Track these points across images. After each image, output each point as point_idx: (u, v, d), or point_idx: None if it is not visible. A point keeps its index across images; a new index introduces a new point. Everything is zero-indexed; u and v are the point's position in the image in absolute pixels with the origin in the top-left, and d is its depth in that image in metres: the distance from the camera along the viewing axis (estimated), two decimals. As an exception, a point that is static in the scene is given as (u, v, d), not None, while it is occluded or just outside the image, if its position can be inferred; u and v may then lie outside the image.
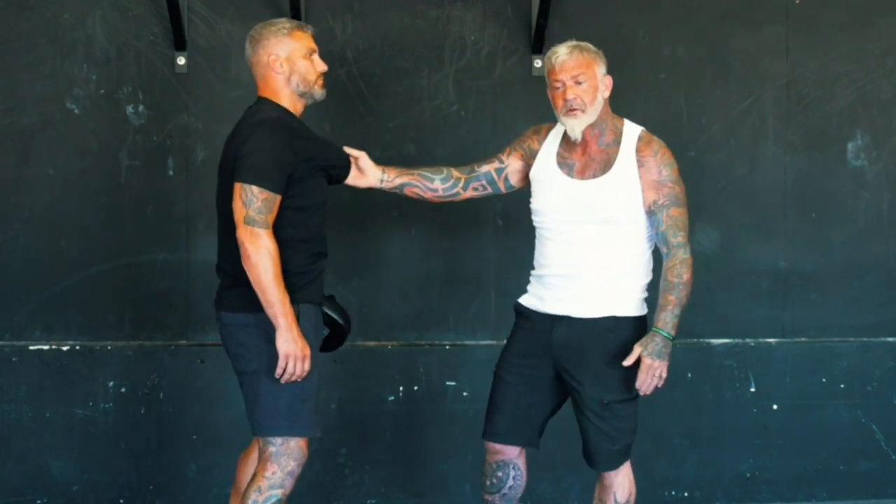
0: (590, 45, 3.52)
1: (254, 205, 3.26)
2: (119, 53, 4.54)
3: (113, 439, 4.56)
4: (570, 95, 3.44)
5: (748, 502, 4.81)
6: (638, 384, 3.42)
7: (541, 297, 3.59)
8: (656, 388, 3.46)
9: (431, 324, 4.69)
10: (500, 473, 3.64)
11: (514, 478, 3.65)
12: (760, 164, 4.80)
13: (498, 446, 3.63)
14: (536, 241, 3.65)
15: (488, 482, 3.68)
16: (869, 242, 4.84)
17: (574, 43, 3.50)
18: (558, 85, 3.47)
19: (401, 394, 4.67)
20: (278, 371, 3.30)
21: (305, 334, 3.34)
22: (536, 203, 3.61)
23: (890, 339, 4.86)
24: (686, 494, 4.78)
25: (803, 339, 4.83)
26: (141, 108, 4.55)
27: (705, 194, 4.78)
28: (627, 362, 3.40)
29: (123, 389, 4.56)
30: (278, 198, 3.30)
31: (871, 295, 4.85)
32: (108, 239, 4.56)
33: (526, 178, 3.69)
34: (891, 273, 4.85)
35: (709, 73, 4.77)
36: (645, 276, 3.59)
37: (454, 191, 3.72)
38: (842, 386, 4.83)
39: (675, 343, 4.69)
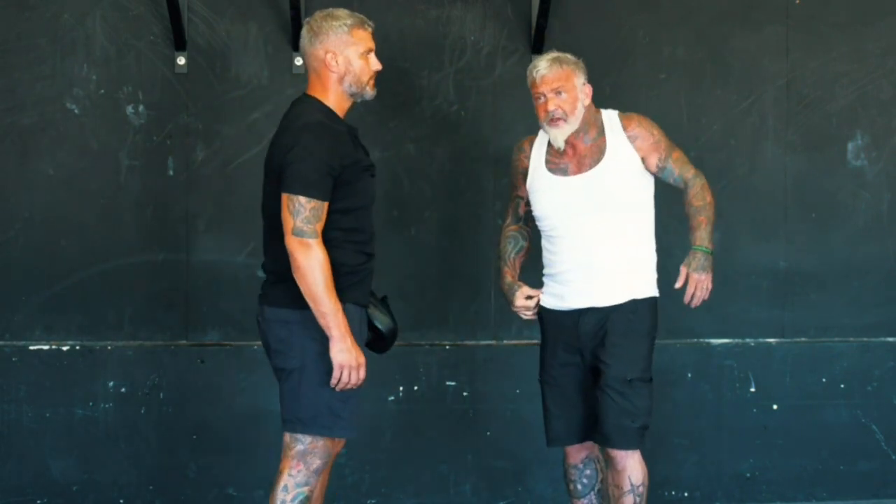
0: (569, 56, 3.65)
1: (302, 215, 3.22)
2: (119, 53, 4.54)
3: (113, 439, 4.56)
4: (551, 107, 3.60)
5: (748, 502, 4.81)
6: (686, 298, 3.63)
7: (559, 294, 3.68)
8: (703, 301, 3.66)
9: (431, 324, 4.69)
10: (588, 471, 3.76)
11: (600, 470, 3.77)
12: (760, 164, 4.80)
13: (578, 446, 3.73)
14: (544, 242, 3.74)
15: (579, 485, 3.77)
16: (869, 242, 4.84)
17: (554, 55, 3.64)
18: (539, 97, 3.63)
19: (401, 394, 4.67)
20: (333, 381, 3.28)
21: (352, 334, 3.30)
22: (539, 209, 3.71)
23: (890, 339, 4.86)
24: (686, 494, 4.78)
25: (803, 339, 4.83)
26: (141, 108, 4.55)
27: (705, 194, 4.78)
28: (678, 284, 3.61)
29: (123, 389, 4.56)
30: (325, 204, 3.27)
31: (871, 295, 4.85)
32: (108, 239, 4.55)
33: None
34: (891, 273, 4.85)
35: (709, 73, 4.77)
36: (654, 258, 3.73)
37: (530, 234, 3.83)
38: (842, 386, 4.83)
39: (675, 343, 4.73)
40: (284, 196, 3.25)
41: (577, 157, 3.65)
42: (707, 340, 4.79)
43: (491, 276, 4.69)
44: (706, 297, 3.65)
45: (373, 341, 3.56)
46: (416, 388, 4.67)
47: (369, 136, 4.59)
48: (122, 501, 4.58)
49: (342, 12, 3.41)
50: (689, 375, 4.77)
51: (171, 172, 4.57)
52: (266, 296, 3.41)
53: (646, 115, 4.69)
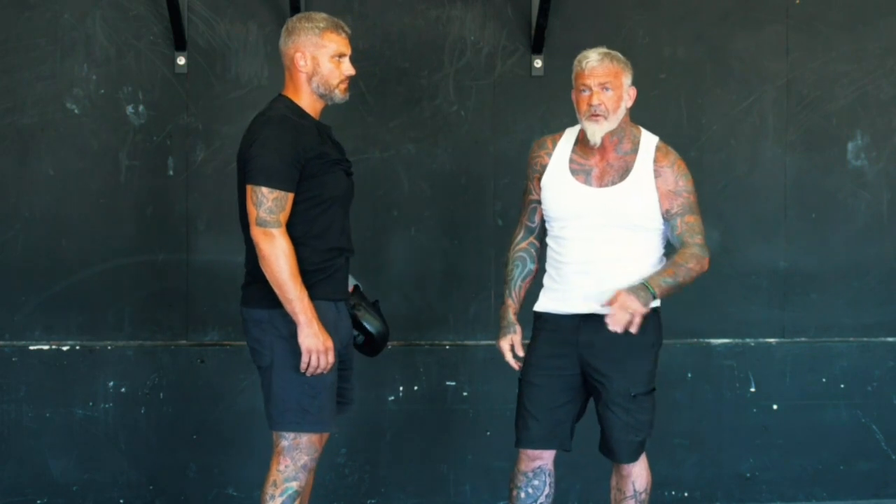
0: (619, 55, 3.55)
1: (264, 205, 3.28)
2: (119, 53, 4.54)
3: (113, 439, 4.56)
4: (595, 101, 3.47)
5: (748, 502, 4.81)
6: (608, 318, 3.40)
7: (561, 297, 3.60)
8: (626, 331, 3.42)
9: (431, 324, 4.69)
10: (536, 482, 3.64)
11: (549, 485, 3.67)
12: (760, 164, 4.80)
13: (535, 453, 3.62)
14: (550, 241, 3.65)
15: (523, 493, 3.65)
16: (869, 242, 4.84)
17: (605, 50, 3.53)
18: (584, 89, 3.50)
19: (401, 394, 4.67)
20: (302, 366, 3.31)
21: None
22: (552, 210, 3.61)
23: (890, 339, 4.86)
24: (686, 494, 4.79)
25: (803, 339, 4.83)
26: (141, 108, 4.56)
27: (705, 194, 4.75)
28: (604, 303, 3.42)
29: (123, 389, 4.56)
30: (290, 195, 3.31)
31: (871, 295, 4.85)
32: (108, 239, 4.56)
33: None
34: (891, 273, 4.85)
35: (709, 73, 4.77)
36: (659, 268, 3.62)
37: (539, 252, 3.72)
38: (842, 386, 4.83)
39: (675, 343, 4.73)
40: (248, 188, 3.32)
41: (603, 163, 3.55)
42: (707, 340, 4.79)
43: (491, 276, 4.69)
44: (633, 331, 3.40)
45: (363, 344, 3.59)
46: (416, 388, 4.67)
47: (369, 136, 4.61)
48: (122, 501, 4.58)
49: (319, 15, 3.47)
50: (689, 375, 4.77)
51: (171, 172, 4.57)
52: (242, 297, 3.48)
53: (646, 114, 4.71)
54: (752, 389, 4.80)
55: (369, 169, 4.58)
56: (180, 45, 4.52)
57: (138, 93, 4.55)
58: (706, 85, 4.77)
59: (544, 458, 3.64)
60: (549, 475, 3.66)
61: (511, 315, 3.66)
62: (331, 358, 3.34)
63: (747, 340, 4.81)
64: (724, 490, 4.80)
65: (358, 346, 3.59)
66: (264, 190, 3.28)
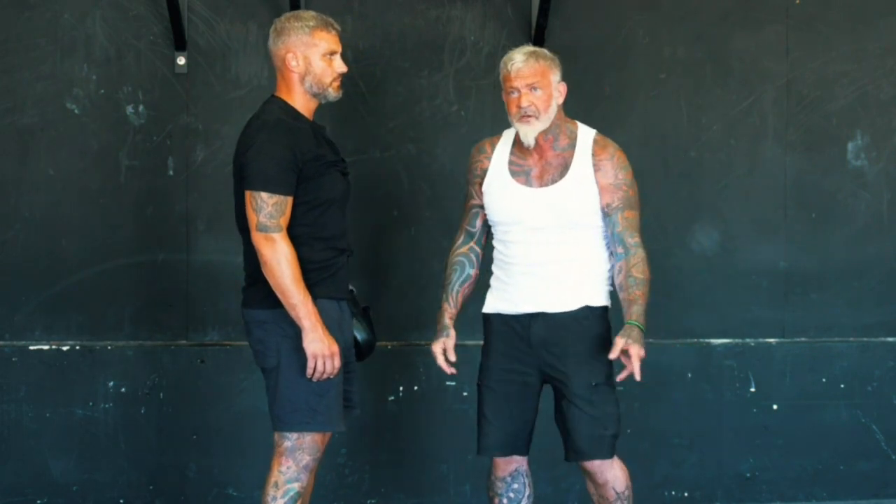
0: (546, 52, 3.53)
1: (264, 210, 3.27)
2: (119, 53, 4.54)
3: (113, 439, 4.56)
4: (524, 103, 3.45)
5: (748, 502, 4.81)
6: (631, 370, 3.41)
7: (509, 299, 3.58)
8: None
9: (431, 324, 4.66)
10: (516, 485, 3.62)
11: (528, 486, 3.64)
12: (760, 164, 4.80)
13: (507, 458, 3.60)
14: (496, 243, 3.64)
15: (504, 499, 3.62)
16: (869, 242, 4.84)
17: (531, 49, 3.51)
18: (513, 91, 3.48)
19: (401, 394, 4.67)
20: (308, 371, 3.31)
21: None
22: (495, 214, 3.59)
23: (890, 339, 4.86)
24: (686, 494, 4.78)
25: (803, 339, 4.83)
26: (141, 108, 4.56)
27: (705, 194, 4.78)
28: (613, 355, 3.40)
29: (123, 389, 4.56)
30: (289, 199, 3.31)
31: (871, 295, 4.85)
32: (108, 239, 4.56)
33: None
34: (891, 273, 4.85)
35: (709, 73, 4.77)
36: (606, 271, 3.59)
37: (480, 257, 3.71)
38: (842, 386, 4.83)
39: (675, 343, 4.74)
40: (247, 193, 3.31)
41: (542, 162, 3.53)
42: (707, 340, 4.79)
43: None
44: (636, 364, 3.40)
45: (369, 348, 3.60)
46: (416, 388, 4.67)
47: (369, 136, 4.61)
48: (122, 501, 4.58)
49: (308, 14, 3.47)
50: (689, 375, 4.77)
51: (171, 172, 4.57)
52: (243, 298, 3.47)
53: (646, 115, 4.71)
54: (752, 389, 4.80)
55: (369, 169, 4.58)
56: (180, 45, 4.52)
57: (138, 93, 4.55)
58: (706, 85, 4.77)
59: (517, 461, 3.61)
60: (527, 475, 3.64)
61: (447, 319, 3.63)
62: (337, 362, 3.33)
63: (747, 340, 4.80)
64: (724, 490, 4.80)
65: (368, 346, 3.60)
66: (264, 195, 3.28)
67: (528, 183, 3.53)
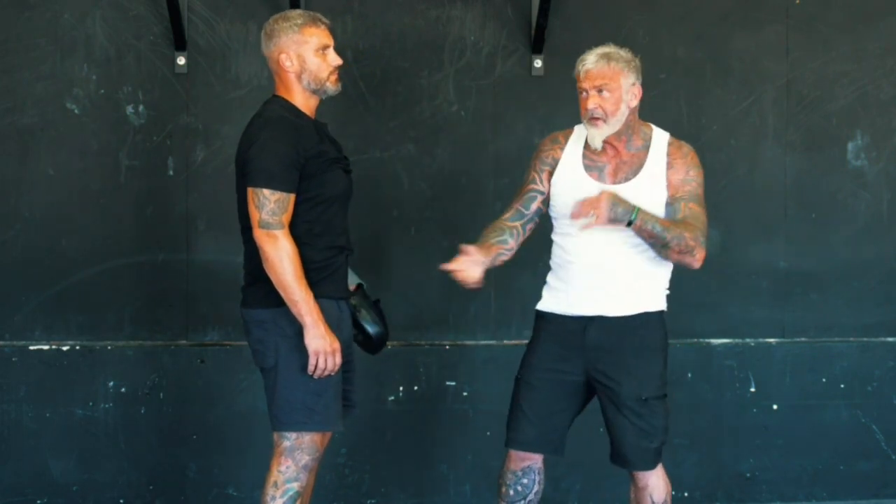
0: (621, 54, 3.47)
1: (267, 207, 3.28)
2: (119, 53, 4.54)
3: (113, 439, 4.56)
4: (591, 105, 3.42)
5: (748, 502, 4.81)
6: (575, 205, 3.33)
7: (566, 299, 3.54)
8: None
9: (431, 324, 4.69)
10: (525, 480, 3.61)
11: (538, 483, 3.62)
12: (760, 164, 4.80)
13: (525, 454, 3.58)
14: (557, 238, 3.58)
15: (511, 491, 3.61)
16: (869, 242, 4.84)
17: (605, 50, 3.46)
18: (582, 92, 3.45)
19: (401, 394, 4.67)
20: (310, 368, 3.31)
21: None
22: (562, 206, 3.52)
23: (890, 339, 4.86)
24: (686, 494, 4.78)
25: (803, 339, 4.83)
26: (141, 108, 4.56)
27: (705, 194, 4.76)
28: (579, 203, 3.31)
29: (123, 389, 4.56)
30: (291, 196, 3.31)
31: (871, 295, 4.85)
32: (108, 239, 4.56)
33: None
34: (891, 273, 4.85)
35: (709, 73, 4.77)
36: (667, 271, 3.56)
37: (520, 239, 3.62)
38: (842, 386, 4.83)
39: (675, 343, 4.71)
40: (249, 190, 3.31)
41: (616, 159, 3.50)
42: (707, 340, 4.79)
43: (491, 277, 4.66)
44: (591, 223, 3.29)
45: (361, 343, 3.59)
46: (416, 388, 4.67)
47: (369, 136, 4.61)
48: (122, 501, 4.58)
49: (294, 13, 3.47)
50: (689, 375, 4.77)
51: (171, 172, 4.57)
52: (243, 298, 3.47)
53: (646, 114, 4.70)
54: (752, 389, 4.80)
55: (369, 169, 4.58)
56: (180, 45, 4.52)
57: (138, 93, 4.55)
58: (706, 85, 4.77)
59: (534, 458, 3.60)
60: (539, 472, 3.62)
61: (475, 247, 3.46)
62: (338, 359, 3.34)
63: (747, 340, 4.80)
64: (724, 490, 4.80)
65: (357, 342, 3.59)
66: (266, 192, 3.28)
67: (601, 178, 3.49)
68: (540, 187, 3.58)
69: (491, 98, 4.66)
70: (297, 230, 3.33)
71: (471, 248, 3.43)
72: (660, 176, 3.48)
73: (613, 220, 3.31)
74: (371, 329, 3.54)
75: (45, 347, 4.54)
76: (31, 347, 4.53)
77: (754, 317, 4.80)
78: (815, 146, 4.83)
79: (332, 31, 3.48)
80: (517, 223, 3.59)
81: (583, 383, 3.54)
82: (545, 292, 3.62)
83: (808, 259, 4.82)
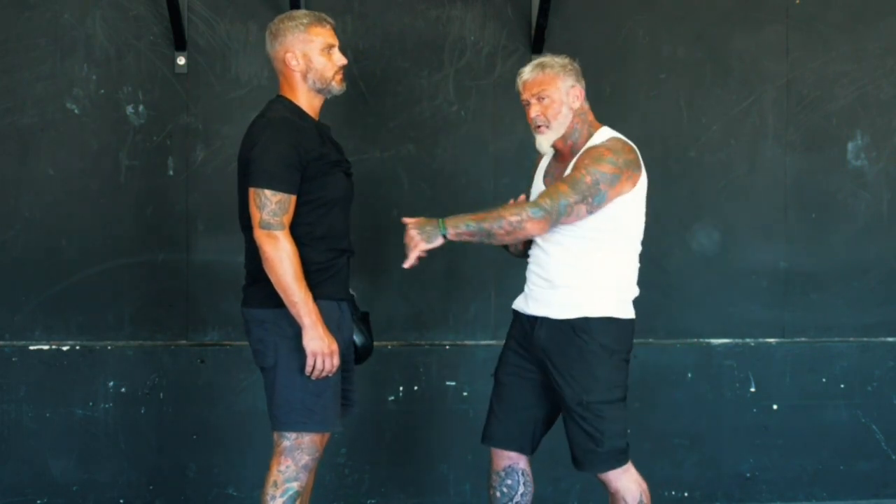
0: (555, 60, 3.53)
1: (268, 208, 3.28)
2: (119, 53, 4.54)
3: (113, 439, 4.56)
4: (532, 113, 3.51)
5: (748, 502, 4.81)
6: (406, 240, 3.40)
7: (525, 298, 3.63)
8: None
9: (431, 324, 4.69)
10: (509, 481, 3.62)
11: (524, 484, 3.63)
12: (760, 164, 4.81)
13: (504, 452, 3.61)
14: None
15: (498, 493, 3.63)
16: (869, 242, 4.84)
17: (539, 60, 3.54)
18: (525, 103, 3.54)
19: (401, 394, 4.67)
20: (308, 369, 3.32)
21: None
22: None
23: (890, 339, 4.86)
24: (686, 494, 4.78)
25: (803, 339, 4.83)
26: (141, 108, 4.56)
27: (705, 194, 4.78)
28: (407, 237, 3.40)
29: (123, 389, 4.56)
30: (293, 198, 3.32)
31: (871, 295, 4.85)
32: (108, 239, 4.56)
33: None
34: (891, 273, 4.85)
35: (709, 73, 4.77)
36: (622, 279, 3.53)
37: None
38: (842, 386, 4.84)
39: (675, 343, 4.73)
40: (251, 191, 3.32)
41: (563, 166, 3.54)
42: (707, 340, 4.79)
43: (491, 277, 4.69)
44: (410, 251, 3.40)
45: (365, 352, 3.61)
46: (416, 388, 4.67)
47: (369, 136, 4.61)
48: (122, 501, 4.58)
49: (300, 12, 3.48)
50: (689, 375, 4.77)
51: (171, 172, 4.57)
52: (243, 298, 3.47)
53: (646, 115, 4.71)
54: (752, 389, 4.80)
55: (369, 169, 4.58)
56: (180, 45, 4.52)
57: (138, 93, 4.55)
58: (706, 85, 4.77)
59: (513, 458, 3.62)
60: (523, 474, 3.63)
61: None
62: (336, 361, 3.34)
63: (747, 340, 4.81)
64: (724, 490, 4.81)
65: (366, 350, 3.61)
66: (267, 192, 3.29)
67: (552, 183, 3.55)
68: None
69: (491, 98, 4.66)
70: (299, 232, 3.34)
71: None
72: None
73: (428, 242, 3.38)
74: (357, 340, 3.55)
75: (45, 347, 4.54)
76: (31, 347, 4.53)
77: (754, 317, 4.80)
78: (815, 146, 4.83)
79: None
80: None
81: (542, 384, 3.57)
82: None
83: (808, 259, 4.82)
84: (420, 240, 3.39)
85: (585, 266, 3.49)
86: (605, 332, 3.49)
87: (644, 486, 3.58)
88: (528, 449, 3.63)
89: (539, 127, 3.51)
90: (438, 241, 3.39)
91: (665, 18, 4.74)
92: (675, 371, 4.75)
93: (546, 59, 3.55)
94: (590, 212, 3.41)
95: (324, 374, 3.33)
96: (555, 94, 3.49)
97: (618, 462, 3.51)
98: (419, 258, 3.42)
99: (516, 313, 3.67)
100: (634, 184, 3.48)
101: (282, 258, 3.27)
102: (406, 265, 3.42)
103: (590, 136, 3.53)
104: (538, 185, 3.64)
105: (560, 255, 3.50)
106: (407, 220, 3.45)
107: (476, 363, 4.68)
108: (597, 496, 4.71)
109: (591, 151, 3.45)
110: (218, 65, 4.58)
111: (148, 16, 4.54)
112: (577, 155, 3.49)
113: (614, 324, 3.50)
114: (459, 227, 3.38)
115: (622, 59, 4.72)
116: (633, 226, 3.53)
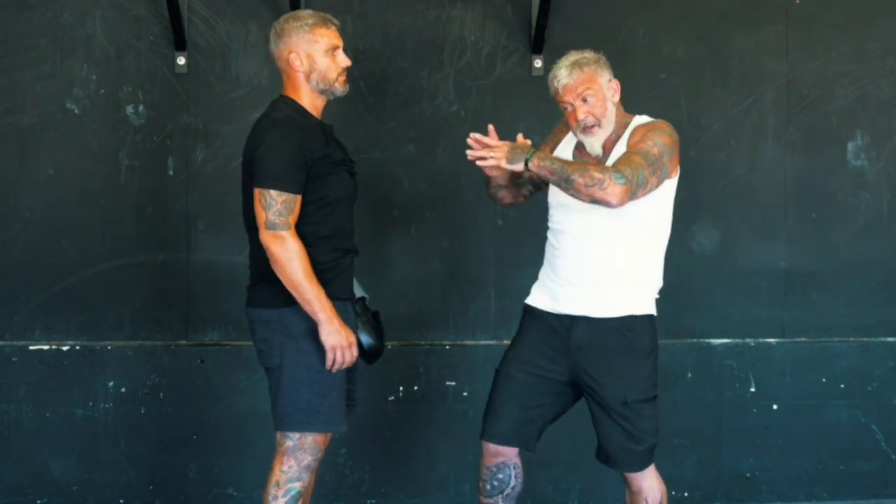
0: (588, 56, 3.45)
1: (273, 208, 3.28)
2: (119, 53, 4.54)
3: (113, 439, 4.56)
4: (581, 115, 3.41)
5: (748, 502, 4.81)
6: (472, 142, 3.36)
7: (553, 296, 3.53)
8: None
9: (431, 324, 4.69)
10: (500, 476, 3.60)
11: (515, 477, 3.61)
12: (760, 164, 4.80)
13: (497, 448, 3.57)
14: (549, 235, 3.59)
15: (488, 486, 3.62)
16: (869, 242, 4.84)
17: (572, 59, 3.44)
18: (567, 106, 3.43)
19: (401, 394, 4.67)
20: (328, 364, 3.32)
21: None
22: (552, 196, 3.55)
23: (890, 339, 4.86)
24: (686, 494, 4.78)
25: (803, 339, 4.83)
26: (141, 108, 4.56)
27: (705, 194, 4.78)
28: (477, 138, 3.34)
29: (123, 389, 4.56)
30: (298, 198, 3.32)
31: (871, 295, 4.85)
32: (108, 239, 4.56)
33: None
34: (891, 273, 4.85)
35: (709, 73, 4.77)
36: (657, 275, 3.54)
37: (528, 189, 3.66)
38: (842, 386, 4.83)
39: (675, 343, 4.73)
40: (256, 191, 3.31)
41: (603, 157, 3.47)
42: (707, 340, 4.79)
43: (491, 277, 4.69)
44: (483, 163, 3.32)
45: (374, 353, 3.59)
46: (416, 388, 4.67)
47: (369, 136, 4.61)
48: (122, 501, 4.58)
49: (305, 13, 3.48)
50: (689, 375, 4.77)
51: (171, 172, 4.57)
52: (248, 297, 3.47)
53: (646, 114, 4.70)
54: (752, 389, 4.80)
55: (369, 169, 4.58)
56: (180, 45, 4.52)
57: (138, 93, 4.55)
58: (706, 85, 4.77)
59: (507, 455, 3.58)
60: (515, 468, 3.61)
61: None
62: (354, 352, 3.37)
63: (747, 340, 4.80)
64: (724, 490, 4.80)
65: (374, 351, 3.59)
66: (273, 193, 3.28)
67: None
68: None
69: (491, 98, 4.66)
70: (304, 232, 3.33)
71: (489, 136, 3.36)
72: (623, 149, 3.42)
73: (511, 162, 3.29)
74: (365, 342, 3.54)
75: (45, 347, 4.54)
76: (31, 347, 4.53)
77: (754, 317, 4.80)
78: (815, 146, 4.83)
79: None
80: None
81: (567, 384, 3.53)
82: (535, 286, 3.62)
83: (808, 259, 4.82)
84: (503, 156, 3.29)
85: (625, 263, 3.44)
86: (648, 330, 3.49)
87: (664, 487, 3.58)
88: (533, 445, 3.59)
89: (591, 127, 3.42)
90: (518, 166, 3.30)
91: (665, 18, 4.74)
92: (675, 371, 4.75)
93: (577, 56, 3.45)
94: (656, 186, 3.35)
95: (344, 366, 3.33)
96: (598, 92, 3.41)
97: (650, 460, 3.52)
98: (489, 172, 3.37)
99: (536, 311, 3.57)
100: (676, 166, 3.46)
101: (290, 258, 3.27)
102: (471, 157, 3.32)
103: (626, 125, 3.49)
104: None
105: (601, 247, 3.43)
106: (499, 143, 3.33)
107: (476, 363, 4.68)
108: (597, 496, 4.71)
109: (648, 125, 3.43)
110: (218, 65, 4.58)
111: (148, 16, 4.54)
112: (629, 131, 3.43)
113: (653, 321, 3.51)
114: (545, 161, 3.29)
115: (622, 59, 4.70)
116: (669, 214, 3.49)
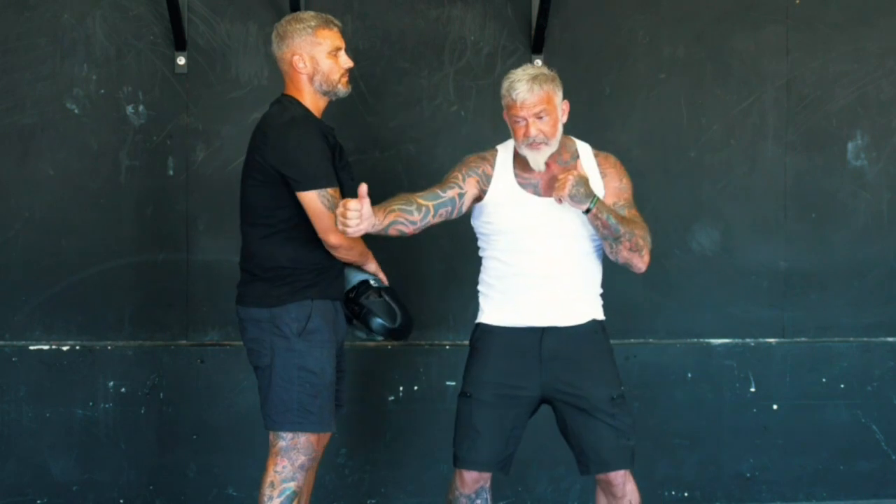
0: (546, 73, 3.43)
1: (333, 206, 3.30)
2: (119, 53, 4.54)
3: (113, 439, 4.56)
4: (532, 132, 3.39)
5: (748, 502, 4.81)
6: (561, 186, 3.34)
7: (518, 311, 3.49)
8: (560, 195, 3.36)
9: (431, 324, 4.69)
10: (479, 501, 3.58)
11: (489, 500, 3.61)
12: (760, 164, 4.80)
13: (479, 474, 3.53)
14: (498, 256, 3.53)
15: None
16: (869, 242, 4.84)
17: (532, 74, 3.40)
18: (519, 120, 3.41)
19: (401, 394, 4.67)
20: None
21: (320, 330, 3.35)
22: (503, 223, 3.49)
23: (890, 339, 4.86)
24: (686, 494, 4.78)
25: (803, 339, 4.83)
26: (141, 108, 4.56)
27: (705, 194, 4.78)
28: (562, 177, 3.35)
29: (123, 389, 4.56)
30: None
31: (871, 295, 4.85)
32: (108, 239, 4.56)
33: (473, 203, 3.54)
34: (891, 273, 4.85)
35: (709, 73, 4.77)
36: (599, 282, 3.60)
37: (426, 220, 3.49)
38: (842, 386, 4.83)
39: (675, 343, 4.73)
40: (312, 194, 3.30)
41: (548, 175, 3.47)
42: (707, 340, 4.79)
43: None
44: (562, 194, 3.32)
45: (388, 333, 3.57)
46: (416, 388, 4.67)
47: (369, 136, 4.60)
48: (122, 501, 4.58)
49: (307, 14, 3.49)
50: (689, 375, 4.77)
51: (171, 172, 4.57)
52: (239, 295, 3.47)
53: (646, 115, 4.72)
54: (752, 389, 4.80)
55: (369, 169, 4.58)
56: (180, 45, 4.52)
57: (138, 93, 4.55)
58: (706, 85, 4.77)
59: (485, 478, 3.56)
60: (488, 491, 3.60)
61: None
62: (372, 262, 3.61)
63: (747, 340, 4.80)
64: (724, 490, 4.80)
65: (388, 331, 3.57)
66: (330, 191, 3.32)
67: (536, 193, 3.48)
68: (461, 185, 3.48)
69: (491, 98, 4.65)
70: (297, 233, 3.34)
71: (365, 202, 3.14)
72: (597, 185, 3.47)
73: (574, 199, 3.33)
74: (375, 326, 3.53)
75: (45, 347, 4.54)
76: (31, 347, 4.53)
77: (754, 317, 4.80)
78: (815, 146, 4.83)
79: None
80: (430, 202, 3.45)
81: (536, 399, 3.51)
82: (487, 306, 3.56)
83: (808, 259, 4.82)
84: (570, 191, 3.32)
85: (583, 274, 3.51)
86: (606, 332, 3.57)
87: (637, 486, 3.57)
88: (509, 468, 3.56)
89: (539, 144, 3.40)
90: (580, 207, 3.35)
91: (665, 18, 4.74)
92: (674, 371, 4.75)
93: (537, 72, 3.41)
94: None
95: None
96: (553, 112, 3.41)
97: (634, 459, 3.50)
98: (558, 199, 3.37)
99: (497, 329, 3.52)
100: None
101: (352, 244, 3.42)
102: (556, 194, 3.36)
103: (568, 146, 3.53)
104: (514, 194, 3.48)
105: (562, 265, 3.47)
106: (574, 171, 3.35)
107: (476, 363, 4.67)
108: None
109: (617, 165, 3.57)
110: (218, 65, 4.58)
111: (148, 16, 4.54)
112: (595, 161, 3.54)
113: (604, 326, 3.59)
114: (603, 213, 3.36)
115: (622, 59, 4.72)
116: None
